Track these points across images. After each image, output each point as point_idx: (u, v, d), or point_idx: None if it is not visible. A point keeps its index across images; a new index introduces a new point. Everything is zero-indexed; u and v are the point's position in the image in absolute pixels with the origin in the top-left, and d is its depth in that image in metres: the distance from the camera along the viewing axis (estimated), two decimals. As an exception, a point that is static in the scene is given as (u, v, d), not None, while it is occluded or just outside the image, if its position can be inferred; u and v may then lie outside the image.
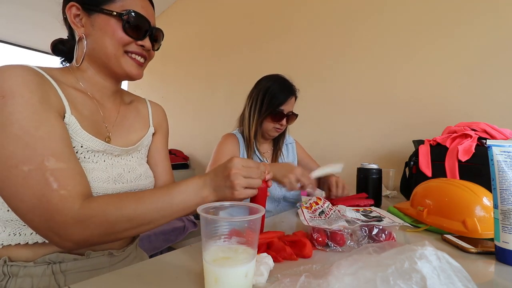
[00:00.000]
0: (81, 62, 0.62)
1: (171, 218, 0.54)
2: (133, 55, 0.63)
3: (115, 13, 0.58)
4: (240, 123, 1.21)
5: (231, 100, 2.43)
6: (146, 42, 0.63)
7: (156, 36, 0.68)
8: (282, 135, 1.24)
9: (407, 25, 1.52)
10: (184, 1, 2.97)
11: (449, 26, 1.39)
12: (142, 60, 0.65)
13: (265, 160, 1.20)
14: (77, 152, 0.55)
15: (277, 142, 1.25)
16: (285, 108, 1.11)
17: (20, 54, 3.54)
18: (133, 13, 0.59)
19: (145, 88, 3.42)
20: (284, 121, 1.12)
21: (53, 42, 0.67)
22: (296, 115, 1.17)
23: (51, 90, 0.53)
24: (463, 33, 1.35)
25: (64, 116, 0.54)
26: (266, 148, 1.25)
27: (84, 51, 0.61)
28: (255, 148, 1.17)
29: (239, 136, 1.18)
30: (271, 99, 1.10)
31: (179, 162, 2.67)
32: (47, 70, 0.57)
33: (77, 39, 0.62)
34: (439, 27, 1.42)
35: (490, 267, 0.52)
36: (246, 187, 0.54)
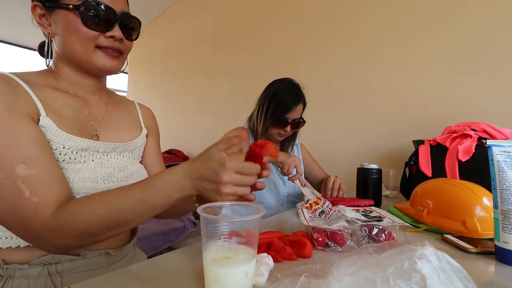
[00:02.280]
0: (50, 63, 0.61)
1: (151, 215, 0.52)
2: (105, 49, 0.59)
3: (71, 6, 0.54)
4: (249, 122, 1.24)
5: (232, 100, 2.43)
6: (116, 32, 0.58)
7: (129, 24, 0.61)
8: (291, 139, 1.26)
9: (407, 25, 1.52)
10: (183, 1, 2.97)
11: (449, 26, 1.39)
12: (116, 52, 0.60)
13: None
14: (60, 154, 0.54)
15: (284, 145, 1.27)
16: (290, 116, 1.12)
17: (20, 54, 3.54)
18: (90, 3, 0.54)
19: (145, 88, 3.42)
20: (288, 128, 1.13)
21: (39, 44, 0.65)
22: (304, 122, 1.18)
23: (21, 95, 0.51)
24: (463, 33, 1.35)
25: (39, 120, 0.52)
26: None
27: (51, 50, 0.60)
28: None
29: (250, 131, 1.20)
30: (276, 105, 1.11)
31: (179, 162, 2.67)
32: (22, 74, 0.56)
33: (49, 39, 0.61)
34: (439, 27, 1.42)
35: (490, 267, 0.52)
36: (234, 193, 0.48)
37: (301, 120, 1.17)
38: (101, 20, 0.56)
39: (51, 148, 0.53)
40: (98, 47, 0.58)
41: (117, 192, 0.50)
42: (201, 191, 0.49)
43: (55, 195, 0.48)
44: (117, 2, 0.59)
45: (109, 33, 0.58)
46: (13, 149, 0.46)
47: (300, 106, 1.15)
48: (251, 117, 1.23)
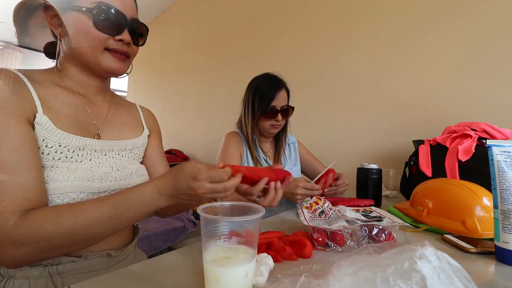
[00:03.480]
0: (58, 62, 0.62)
1: (123, 228, 0.53)
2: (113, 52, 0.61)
3: (84, 8, 0.55)
4: (239, 127, 1.23)
5: (231, 100, 2.43)
6: (125, 36, 0.60)
7: (138, 30, 0.64)
8: (282, 133, 1.25)
9: (407, 25, 1.52)
10: (183, 1, 2.97)
11: (449, 26, 1.39)
12: (123, 55, 0.62)
13: (268, 159, 1.21)
14: (56, 152, 0.54)
15: (278, 141, 1.26)
16: (276, 103, 1.12)
17: (20, 54, 3.54)
18: (103, 7, 0.56)
19: (145, 88, 3.42)
20: (279, 117, 1.13)
21: (45, 45, 0.66)
22: (292, 108, 1.18)
23: (21, 92, 0.51)
24: (463, 33, 1.35)
25: (35, 117, 0.52)
26: (268, 147, 1.26)
27: (58, 50, 0.61)
28: (259, 148, 1.19)
29: (242, 134, 1.20)
30: (260, 98, 1.12)
31: (179, 162, 2.67)
32: (26, 71, 0.56)
33: (58, 39, 0.62)
34: (439, 27, 1.42)
35: (490, 267, 0.53)
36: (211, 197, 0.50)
37: (289, 106, 1.17)
38: (112, 24, 0.58)
39: (47, 146, 0.53)
40: (107, 49, 0.60)
41: (88, 206, 0.49)
42: (179, 201, 0.51)
43: (20, 204, 0.46)
44: (128, 9, 0.60)
45: (118, 37, 0.59)
46: None
47: (284, 92, 1.15)
48: (240, 120, 1.23)
